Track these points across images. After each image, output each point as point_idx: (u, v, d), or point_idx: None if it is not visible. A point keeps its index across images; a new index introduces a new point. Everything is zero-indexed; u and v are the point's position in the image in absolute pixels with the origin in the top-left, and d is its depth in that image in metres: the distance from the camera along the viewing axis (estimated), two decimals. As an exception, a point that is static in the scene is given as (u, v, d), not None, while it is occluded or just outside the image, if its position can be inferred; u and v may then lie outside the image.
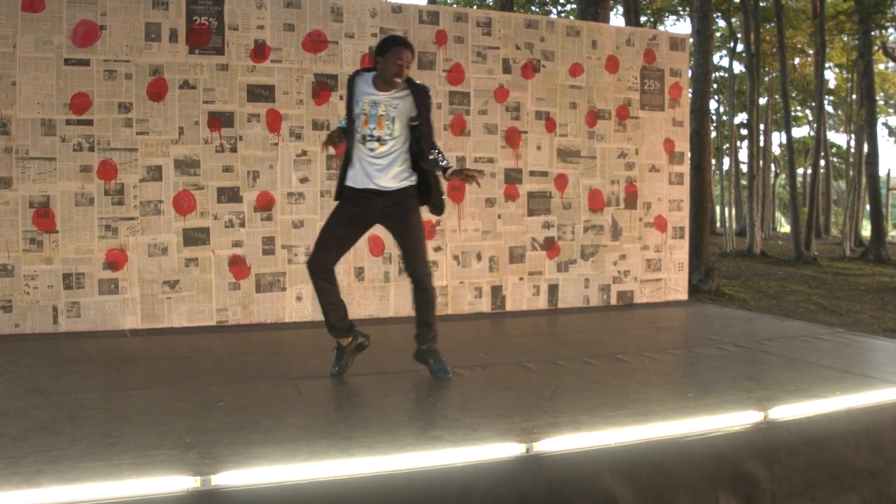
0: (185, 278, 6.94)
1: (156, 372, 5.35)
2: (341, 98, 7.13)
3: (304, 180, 7.27)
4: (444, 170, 5.02)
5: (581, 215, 8.42)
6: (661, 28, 29.23)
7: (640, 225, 8.73)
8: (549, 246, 8.27)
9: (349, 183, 5.02)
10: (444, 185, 5.44)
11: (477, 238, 7.95)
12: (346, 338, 5.15)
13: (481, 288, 7.98)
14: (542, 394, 4.82)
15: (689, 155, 9.21)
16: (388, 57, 4.85)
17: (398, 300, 7.62)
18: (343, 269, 7.26)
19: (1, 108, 6.43)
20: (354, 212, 5.04)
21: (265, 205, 7.15)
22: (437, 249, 7.74)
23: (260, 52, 7.15)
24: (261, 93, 7.15)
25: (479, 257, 7.96)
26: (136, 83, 6.78)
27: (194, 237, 6.97)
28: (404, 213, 5.00)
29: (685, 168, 9.09)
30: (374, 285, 7.52)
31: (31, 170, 6.51)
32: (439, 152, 5.03)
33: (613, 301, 8.58)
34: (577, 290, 8.40)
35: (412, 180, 5.02)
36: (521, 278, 8.16)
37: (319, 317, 5.27)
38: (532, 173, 8.19)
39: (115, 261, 6.74)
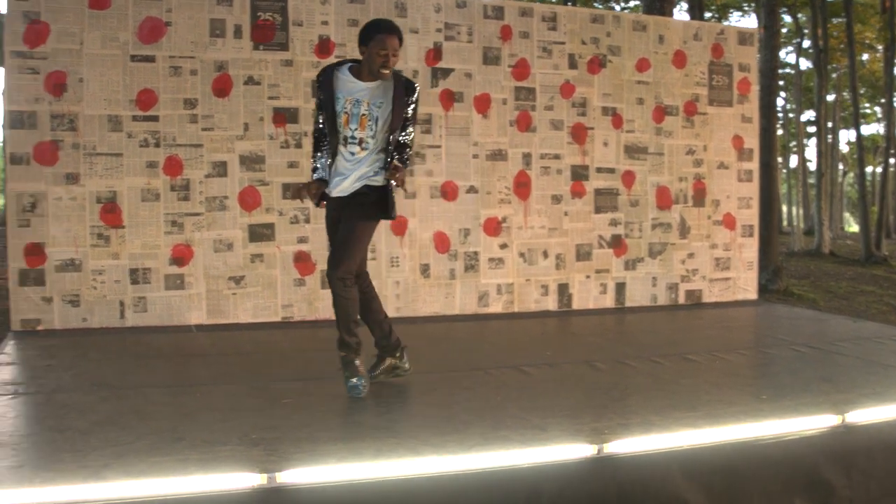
0: (250, 274, 6.95)
1: (221, 367, 5.37)
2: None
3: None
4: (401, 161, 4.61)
5: (648, 213, 8.27)
6: (725, 24, 28.83)
7: (708, 223, 8.56)
8: (617, 244, 8.14)
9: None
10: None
11: (543, 235, 7.85)
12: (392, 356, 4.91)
13: (548, 286, 7.88)
14: (612, 394, 4.73)
15: (758, 152, 9.00)
16: (372, 47, 4.42)
17: (464, 298, 7.55)
18: (409, 267, 7.28)
19: (69, 105, 6.50)
20: (334, 214, 4.77)
21: (329, 201, 7.11)
22: (504, 246, 7.66)
23: (324, 47, 7.14)
24: (325, 89, 7.13)
25: (545, 255, 7.85)
26: (201, 79, 6.81)
27: (259, 233, 6.97)
28: (351, 207, 4.61)
29: (754, 165, 8.89)
30: (439, 282, 7.46)
31: (98, 165, 6.57)
32: (406, 154, 4.65)
33: (681, 300, 8.43)
34: (644, 289, 8.26)
35: (375, 180, 4.60)
36: (588, 276, 8.03)
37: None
38: (599, 170, 8.07)
39: (180, 256, 6.77)
